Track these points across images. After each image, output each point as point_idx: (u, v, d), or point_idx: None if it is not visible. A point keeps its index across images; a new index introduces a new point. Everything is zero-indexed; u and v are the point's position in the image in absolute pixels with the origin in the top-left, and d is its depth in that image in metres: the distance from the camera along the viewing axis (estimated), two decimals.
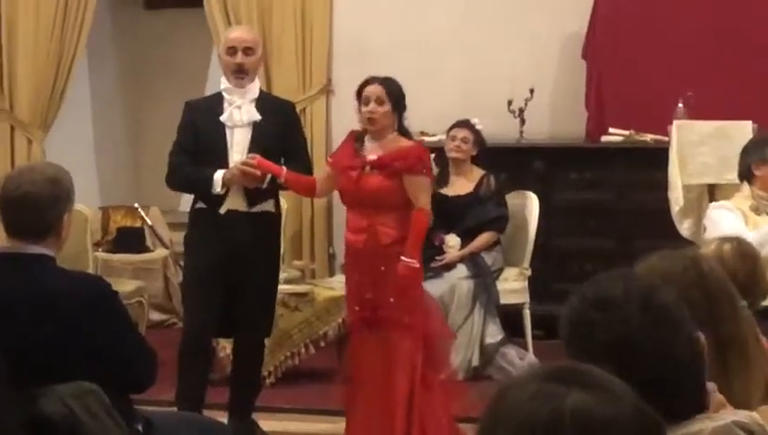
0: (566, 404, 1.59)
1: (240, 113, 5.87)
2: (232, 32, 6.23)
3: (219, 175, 5.74)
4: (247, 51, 5.88)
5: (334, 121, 8.67)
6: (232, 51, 5.88)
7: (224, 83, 5.96)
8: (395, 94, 5.75)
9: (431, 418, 5.72)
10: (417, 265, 5.68)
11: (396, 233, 5.68)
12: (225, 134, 5.86)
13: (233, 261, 5.77)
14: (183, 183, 6.06)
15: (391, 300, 5.65)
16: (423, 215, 5.70)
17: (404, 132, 5.82)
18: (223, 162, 5.80)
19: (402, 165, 5.66)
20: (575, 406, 1.59)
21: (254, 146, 5.81)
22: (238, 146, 5.84)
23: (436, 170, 6.22)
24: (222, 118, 5.86)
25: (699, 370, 2.11)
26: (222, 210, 5.81)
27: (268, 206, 5.94)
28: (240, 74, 5.87)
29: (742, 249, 3.68)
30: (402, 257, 5.61)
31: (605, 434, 1.59)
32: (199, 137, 5.89)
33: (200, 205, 5.92)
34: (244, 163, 5.71)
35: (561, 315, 2.16)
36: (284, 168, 5.82)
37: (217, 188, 5.74)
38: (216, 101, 5.95)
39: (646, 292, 2.08)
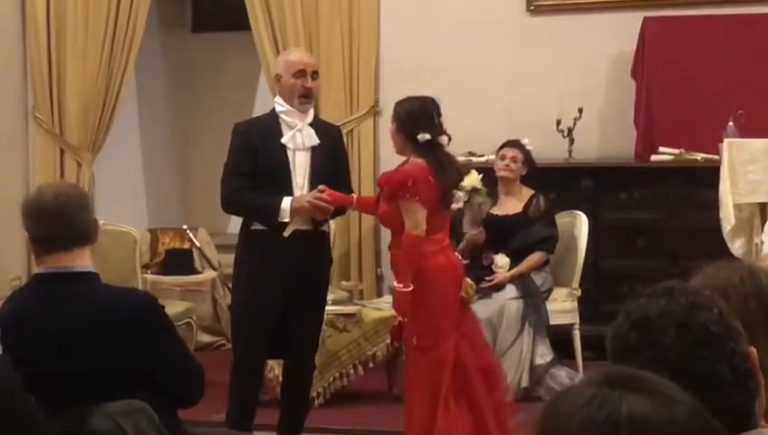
0: (622, 410, 1.57)
1: (302, 136, 5.79)
2: (295, 54, 6.12)
3: (287, 204, 5.63)
4: (314, 75, 5.84)
5: (382, 142, 8.67)
6: (300, 74, 5.78)
7: (282, 105, 5.83)
8: (398, 115, 5.68)
9: None
10: (405, 290, 5.50)
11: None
12: (287, 157, 5.77)
13: (289, 281, 5.70)
14: (243, 209, 5.91)
15: (402, 320, 5.62)
16: (407, 239, 5.51)
17: (423, 154, 5.59)
18: (285, 185, 5.72)
19: (388, 190, 5.59)
20: (631, 411, 1.57)
21: (315, 169, 5.76)
22: (300, 169, 5.77)
23: (465, 198, 6.07)
24: (283, 140, 5.76)
25: (744, 387, 2.06)
26: (286, 233, 5.70)
27: (325, 226, 5.95)
28: (307, 98, 5.81)
29: None
30: (393, 282, 5.62)
31: None
32: (259, 159, 5.77)
33: (257, 226, 5.79)
34: (317, 198, 5.64)
35: (608, 332, 2.14)
36: (354, 195, 5.87)
37: (285, 217, 5.64)
38: (272, 123, 5.85)
39: (685, 310, 2.05)
